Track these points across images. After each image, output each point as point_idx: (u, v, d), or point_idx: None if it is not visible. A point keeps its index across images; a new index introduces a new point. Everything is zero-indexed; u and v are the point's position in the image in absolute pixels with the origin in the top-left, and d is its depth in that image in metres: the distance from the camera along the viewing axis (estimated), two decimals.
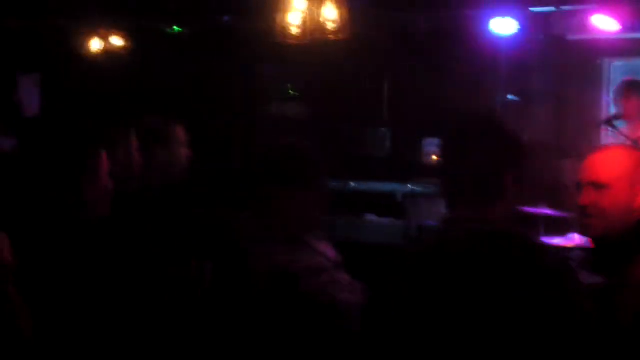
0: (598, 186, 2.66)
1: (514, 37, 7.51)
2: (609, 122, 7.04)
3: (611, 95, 7.58)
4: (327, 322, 2.88)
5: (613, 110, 7.33)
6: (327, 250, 3.08)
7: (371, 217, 7.94)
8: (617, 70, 8.20)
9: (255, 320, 2.86)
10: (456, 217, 2.46)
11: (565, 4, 7.38)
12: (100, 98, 7.96)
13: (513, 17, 7.36)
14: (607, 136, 7.12)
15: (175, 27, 8.56)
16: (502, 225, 2.40)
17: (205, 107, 8.49)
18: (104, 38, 8.24)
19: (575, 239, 6.13)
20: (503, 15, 7.36)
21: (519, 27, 7.39)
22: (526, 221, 6.20)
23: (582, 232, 2.81)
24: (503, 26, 7.41)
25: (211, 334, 2.93)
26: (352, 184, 8.16)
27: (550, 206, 6.62)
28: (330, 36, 6.35)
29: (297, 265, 2.93)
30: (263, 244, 2.98)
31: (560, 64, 8.14)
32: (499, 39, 7.55)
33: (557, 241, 6.22)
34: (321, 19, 6.27)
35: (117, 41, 8.27)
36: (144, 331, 2.73)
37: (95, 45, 8.25)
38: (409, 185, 7.87)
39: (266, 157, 3.18)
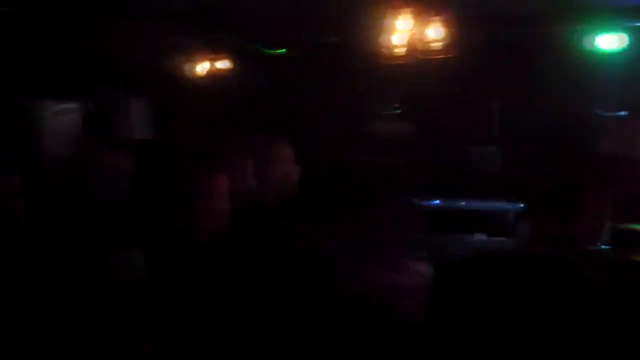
0: None
1: (624, 52, 7.33)
2: None
3: None
4: None
5: None
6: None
7: (481, 237, 7.80)
8: None
9: None
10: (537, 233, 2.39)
11: None
12: (206, 121, 8.05)
13: (622, 31, 7.18)
14: None
15: (279, 49, 8.61)
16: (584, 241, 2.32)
17: (310, 127, 8.50)
18: (210, 61, 8.36)
19: None
20: (611, 30, 7.20)
21: (629, 42, 7.22)
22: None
23: None
24: (611, 41, 7.24)
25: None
26: (462, 202, 8.04)
27: None
28: (437, 55, 6.30)
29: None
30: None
31: None
32: (607, 53, 7.38)
33: None
34: (427, 39, 6.21)
35: (222, 64, 8.37)
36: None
37: (201, 68, 8.38)
38: (521, 205, 7.69)
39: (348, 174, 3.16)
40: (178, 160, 2.99)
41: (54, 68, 8.09)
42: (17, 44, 7.80)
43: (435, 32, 6.23)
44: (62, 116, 8.44)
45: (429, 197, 7.59)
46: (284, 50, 8.76)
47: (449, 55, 6.33)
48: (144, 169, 3.07)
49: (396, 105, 9.33)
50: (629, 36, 7.23)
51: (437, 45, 6.26)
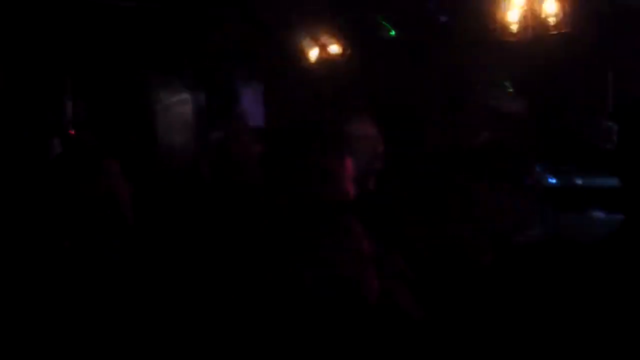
0: None
1: None
2: None
3: None
4: None
5: None
6: None
7: (599, 214, 7.64)
8: None
9: None
10: None
11: None
12: (319, 105, 8.12)
13: None
14: None
15: (392, 31, 8.59)
16: None
17: (423, 109, 8.47)
18: (322, 46, 8.41)
19: None
20: None
21: None
22: None
23: None
24: None
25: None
26: (578, 179, 7.90)
27: None
28: (552, 30, 6.20)
29: None
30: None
31: None
32: None
33: None
34: (542, 14, 6.12)
35: (334, 49, 8.41)
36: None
37: (314, 53, 8.45)
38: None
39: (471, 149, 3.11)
40: (308, 144, 3.02)
41: (173, 60, 8.27)
42: (140, 37, 8.00)
43: (550, 7, 6.14)
44: (179, 107, 8.64)
45: (546, 175, 7.51)
46: (396, 33, 8.75)
47: (564, 31, 6.23)
48: (276, 155, 3.12)
49: (508, 83, 9.21)
50: None
51: (552, 20, 6.17)
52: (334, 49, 8.43)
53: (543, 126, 8.04)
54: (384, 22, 8.57)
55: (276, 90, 8.81)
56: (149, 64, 8.19)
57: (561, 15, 6.14)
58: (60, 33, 7.95)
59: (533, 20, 6.12)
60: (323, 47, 8.43)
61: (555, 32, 6.19)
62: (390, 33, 8.75)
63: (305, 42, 8.48)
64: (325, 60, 8.45)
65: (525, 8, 6.12)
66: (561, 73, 8.37)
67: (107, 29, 8.14)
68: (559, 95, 8.46)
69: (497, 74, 9.04)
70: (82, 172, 3.03)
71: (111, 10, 7.92)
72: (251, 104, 8.76)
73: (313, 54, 8.50)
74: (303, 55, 8.49)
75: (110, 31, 8.16)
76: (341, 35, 8.40)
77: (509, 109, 8.88)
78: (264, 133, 5.05)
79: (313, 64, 8.49)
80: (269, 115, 8.77)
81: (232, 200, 3.47)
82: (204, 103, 8.68)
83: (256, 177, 3.44)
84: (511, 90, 9.19)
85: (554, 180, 7.68)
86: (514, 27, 6.17)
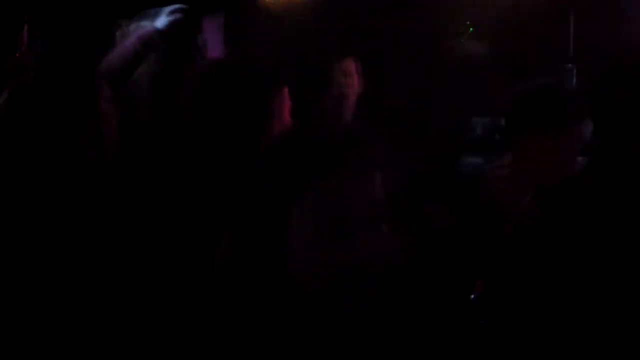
0: None
1: None
2: None
3: None
4: None
5: None
6: None
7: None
8: None
9: None
10: None
11: None
12: (282, 42, 8.01)
13: None
14: None
15: None
16: None
17: (383, 46, 8.41)
18: None
19: None
20: None
21: None
22: None
23: None
24: None
25: None
26: None
27: None
28: None
29: None
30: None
31: None
32: None
33: None
34: None
35: None
36: None
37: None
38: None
39: (523, 99, 3.04)
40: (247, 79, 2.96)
41: None
42: None
43: None
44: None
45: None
46: None
47: None
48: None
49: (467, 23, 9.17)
50: None
51: None
52: None
53: (505, 69, 8.02)
54: None
55: (237, 23, 8.67)
56: None
57: None
58: None
59: None
60: None
61: None
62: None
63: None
64: None
65: None
66: (522, 18, 8.34)
67: None
68: (521, 40, 8.44)
69: (460, 19, 9.01)
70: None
71: None
72: (211, 36, 8.59)
73: None
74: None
75: None
76: None
77: (470, 51, 8.89)
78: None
79: None
80: (227, 48, 8.62)
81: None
82: (164, 32, 8.49)
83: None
84: (472, 31, 9.16)
85: None
86: None
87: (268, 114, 2.89)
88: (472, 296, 2.70)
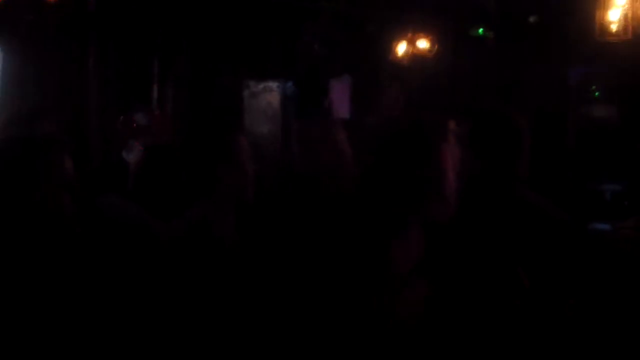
0: None
1: None
2: None
3: None
4: None
5: None
6: None
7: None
8: None
9: None
10: None
11: None
12: (408, 100, 8.09)
13: None
14: None
15: (480, 30, 8.52)
16: None
17: (513, 108, 8.35)
18: (411, 42, 8.38)
19: None
20: None
21: None
22: None
23: None
24: None
25: None
26: None
27: None
28: None
29: None
30: None
31: None
32: None
33: None
34: None
35: (423, 44, 8.37)
36: None
37: (403, 48, 8.42)
38: None
39: None
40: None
41: (262, 49, 8.32)
42: (230, 25, 8.07)
43: None
44: (266, 95, 8.70)
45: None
46: (482, 30, 8.68)
47: None
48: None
49: (594, 87, 9.04)
50: None
51: None
52: (422, 44, 8.39)
53: (633, 134, 7.86)
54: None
55: (364, 83, 8.81)
56: (239, 52, 8.25)
57: None
58: (149, 18, 8.04)
59: (634, 20, 5.96)
60: (412, 42, 8.39)
61: None
62: (479, 31, 8.68)
63: (395, 37, 8.47)
64: (414, 56, 8.41)
65: (627, 7, 5.97)
66: None
67: (196, 15, 8.22)
68: None
69: (588, 77, 8.87)
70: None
71: None
72: (338, 96, 8.76)
73: (401, 48, 8.46)
74: (392, 50, 8.47)
75: (199, 18, 8.23)
76: (430, 31, 8.36)
77: (599, 114, 8.75)
78: (350, 126, 5.02)
79: (401, 58, 8.46)
80: (355, 108, 8.76)
81: (316, 191, 3.45)
82: (291, 93, 8.72)
83: (333, 170, 3.45)
84: (597, 94, 9.01)
85: None
86: (614, 27, 6.02)
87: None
88: None
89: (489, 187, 3.09)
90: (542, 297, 2.65)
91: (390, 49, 8.49)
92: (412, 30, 8.38)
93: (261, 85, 8.78)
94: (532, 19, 8.32)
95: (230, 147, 2.98)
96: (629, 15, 6.00)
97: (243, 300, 2.77)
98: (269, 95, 8.70)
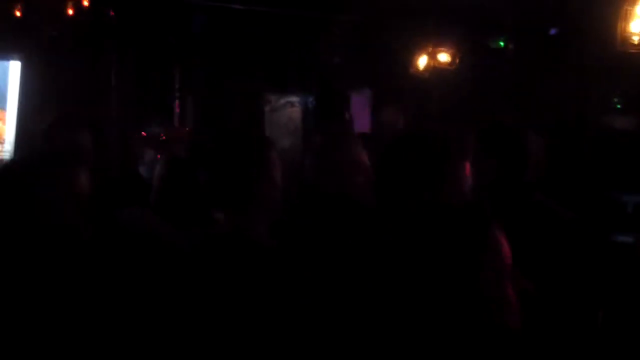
0: None
1: None
2: None
3: None
4: None
5: None
6: None
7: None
8: None
9: None
10: None
11: None
12: (427, 114, 8.07)
13: None
14: None
15: (501, 42, 8.50)
16: None
17: (533, 120, 8.33)
18: (432, 55, 8.36)
19: None
20: None
21: None
22: None
23: None
24: None
25: None
26: None
27: None
28: None
29: None
30: None
31: None
32: None
33: None
34: None
35: (444, 57, 8.35)
36: None
37: (424, 62, 8.41)
38: None
39: None
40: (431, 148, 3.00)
41: (283, 63, 8.35)
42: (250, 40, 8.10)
43: None
44: (287, 109, 8.71)
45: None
46: (503, 43, 8.66)
47: None
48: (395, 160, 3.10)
49: (617, 99, 8.98)
50: None
51: None
52: (443, 57, 8.37)
53: None
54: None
55: (384, 97, 8.79)
56: (259, 67, 8.27)
57: None
58: (171, 34, 8.08)
59: None
60: (432, 56, 8.37)
61: None
62: (500, 44, 8.66)
63: (415, 50, 8.46)
64: (435, 69, 8.39)
65: None
66: None
67: (217, 30, 8.25)
68: None
69: (610, 88, 8.82)
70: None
71: (222, 12, 8.03)
72: (358, 110, 8.75)
73: (422, 62, 8.45)
74: (412, 63, 8.46)
75: (221, 33, 8.26)
76: (451, 44, 8.34)
77: (620, 125, 8.69)
78: (370, 139, 5.02)
79: (422, 72, 8.45)
80: (375, 122, 8.75)
81: (334, 205, 3.43)
82: (312, 107, 8.73)
83: (353, 185, 3.45)
84: (619, 106, 8.95)
85: None
86: (636, 39, 5.99)
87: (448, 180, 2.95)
88: None
89: (507, 194, 3.23)
90: (567, 305, 2.65)
91: (411, 62, 8.48)
92: (432, 43, 8.36)
93: (282, 100, 8.80)
94: (552, 31, 8.29)
95: (265, 161, 2.97)
96: None
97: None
98: (290, 109, 8.71)
